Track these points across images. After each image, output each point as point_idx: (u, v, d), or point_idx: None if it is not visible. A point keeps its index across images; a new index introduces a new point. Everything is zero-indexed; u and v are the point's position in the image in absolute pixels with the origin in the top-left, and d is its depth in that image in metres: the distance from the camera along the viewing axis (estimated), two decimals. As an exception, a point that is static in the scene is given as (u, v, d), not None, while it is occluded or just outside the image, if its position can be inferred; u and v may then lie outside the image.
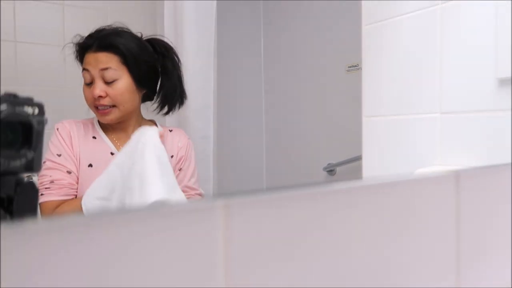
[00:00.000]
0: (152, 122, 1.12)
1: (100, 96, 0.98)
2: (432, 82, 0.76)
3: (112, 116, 1.00)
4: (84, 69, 1.00)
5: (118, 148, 1.02)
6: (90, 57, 0.99)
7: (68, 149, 0.98)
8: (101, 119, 1.01)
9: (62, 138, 0.98)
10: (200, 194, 1.08)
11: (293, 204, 0.35)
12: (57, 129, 1.00)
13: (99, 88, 0.98)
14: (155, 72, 1.06)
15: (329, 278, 0.38)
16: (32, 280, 0.24)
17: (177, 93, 1.10)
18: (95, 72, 0.98)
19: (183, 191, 1.03)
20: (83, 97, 1.04)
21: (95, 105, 0.99)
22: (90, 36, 1.01)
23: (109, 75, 0.98)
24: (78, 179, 0.96)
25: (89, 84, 0.99)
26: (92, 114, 1.07)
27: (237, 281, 0.32)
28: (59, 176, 0.94)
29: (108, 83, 0.98)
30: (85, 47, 1.01)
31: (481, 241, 0.52)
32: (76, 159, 0.97)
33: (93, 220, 0.27)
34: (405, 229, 0.44)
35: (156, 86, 1.08)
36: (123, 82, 1.00)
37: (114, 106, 1.00)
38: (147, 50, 1.04)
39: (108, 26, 1.03)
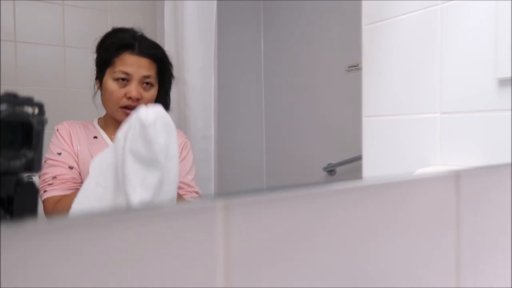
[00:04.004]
0: None
1: (138, 99, 1.00)
2: (432, 82, 0.76)
3: None
4: (123, 71, 1.00)
5: None
6: (133, 59, 1.01)
7: (68, 147, 0.98)
8: (123, 119, 0.99)
9: (62, 137, 0.99)
10: (197, 192, 1.08)
11: (293, 204, 0.35)
12: (57, 129, 1.00)
13: (138, 90, 1.01)
14: (170, 85, 1.12)
15: (329, 278, 0.38)
16: (32, 280, 0.24)
17: (168, 107, 1.14)
18: (137, 74, 1.01)
19: (179, 187, 1.03)
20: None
21: (126, 104, 1.00)
22: (133, 37, 1.03)
23: (149, 80, 1.03)
24: (80, 174, 0.97)
25: (122, 81, 1.00)
26: (92, 116, 1.07)
27: (237, 281, 0.32)
28: (61, 172, 0.94)
29: (144, 87, 1.02)
30: (127, 46, 1.02)
31: (481, 241, 0.52)
32: (76, 157, 0.98)
33: (93, 220, 0.27)
34: (405, 229, 0.44)
35: (165, 96, 1.12)
36: (155, 89, 1.05)
37: None
38: (171, 64, 1.11)
39: (132, 29, 1.05)
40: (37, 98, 0.46)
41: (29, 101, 0.45)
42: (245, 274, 0.33)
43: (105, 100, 1.03)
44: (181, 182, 1.04)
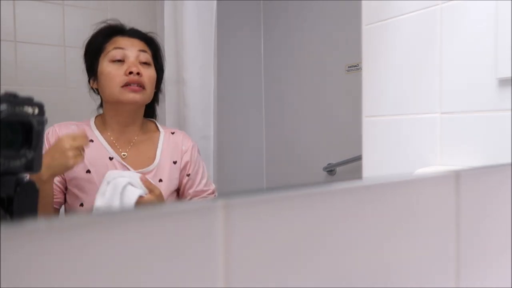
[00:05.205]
0: (153, 122, 1.11)
1: (138, 73, 0.97)
2: (432, 82, 0.76)
3: (141, 96, 0.99)
4: (117, 47, 0.99)
5: (116, 151, 0.99)
6: (125, 40, 1.01)
7: None
8: (129, 97, 0.97)
9: (47, 145, 0.93)
10: (213, 192, 1.08)
11: (293, 204, 0.35)
12: (47, 133, 0.95)
13: (137, 66, 0.98)
14: (161, 77, 1.10)
15: (329, 278, 0.38)
16: (32, 280, 0.24)
17: (156, 106, 1.13)
18: (132, 51, 1.00)
19: (195, 195, 1.03)
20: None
21: (128, 81, 0.97)
22: (121, 25, 1.04)
23: (146, 57, 1.01)
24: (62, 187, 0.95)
25: (119, 62, 0.99)
26: (88, 116, 1.06)
27: (237, 281, 0.32)
28: None
29: (142, 64, 1.00)
30: (117, 31, 1.02)
31: (481, 241, 0.52)
32: None
33: (93, 220, 0.27)
34: (405, 229, 0.44)
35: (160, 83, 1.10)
36: (153, 69, 1.03)
37: (144, 88, 0.99)
38: (162, 48, 1.10)
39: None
40: (37, 98, 0.46)
41: (29, 101, 0.45)
42: (245, 274, 0.33)
43: (104, 86, 0.98)
44: (195, 190, 1.04)
